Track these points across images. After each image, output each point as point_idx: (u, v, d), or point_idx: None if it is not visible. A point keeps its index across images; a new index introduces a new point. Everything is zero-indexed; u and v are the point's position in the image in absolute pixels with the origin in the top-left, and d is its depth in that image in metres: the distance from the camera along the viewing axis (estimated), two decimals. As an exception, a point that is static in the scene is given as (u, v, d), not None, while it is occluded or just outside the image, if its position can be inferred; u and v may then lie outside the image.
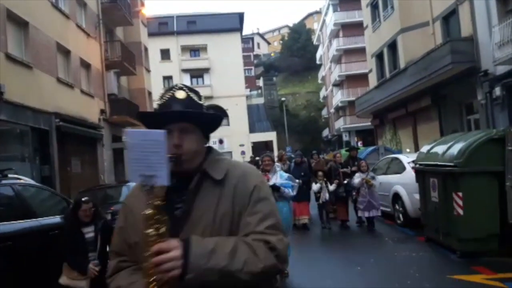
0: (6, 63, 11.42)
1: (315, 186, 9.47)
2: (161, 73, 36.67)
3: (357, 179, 9.07)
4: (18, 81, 11.79)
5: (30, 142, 12.65)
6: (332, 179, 9.66)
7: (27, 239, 4.24)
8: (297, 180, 9.16)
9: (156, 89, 31.31)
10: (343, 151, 15.39)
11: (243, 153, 32.92)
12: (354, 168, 9.71)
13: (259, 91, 58.22)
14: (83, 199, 4.32)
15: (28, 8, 12.87)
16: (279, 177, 5.68)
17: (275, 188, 5.40)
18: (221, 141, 30.15)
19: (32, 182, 5.47)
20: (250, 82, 54.36)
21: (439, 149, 7.23)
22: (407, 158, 9.61)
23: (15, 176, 5.16)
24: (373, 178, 9.10)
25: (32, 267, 4.42)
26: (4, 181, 4.71)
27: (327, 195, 9.39)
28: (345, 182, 9.61)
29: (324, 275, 5.99)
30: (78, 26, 16.99)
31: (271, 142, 40.12)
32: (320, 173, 9.61)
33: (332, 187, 9.49)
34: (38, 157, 13.02)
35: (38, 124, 12.82)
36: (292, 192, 5.67)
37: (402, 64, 18.94)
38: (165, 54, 38.72)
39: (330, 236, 9.00)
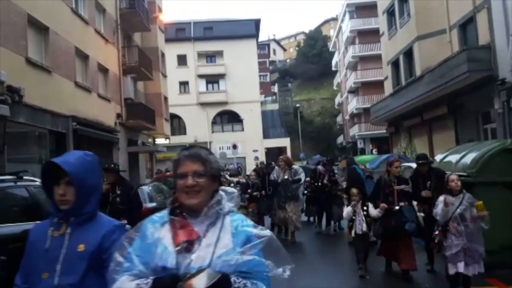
0: (26, 67, 11.72)
1: (345, 211, 6.46)
2: (178, 78, 37.08)
3: (440, 204, 4.97)
4: (37, 85, 12.08)
5: (47, 145, 12.93)
6: (379, 200, 6.08)
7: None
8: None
9: (172, 94, 31.75)
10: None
11: (256, 158, 32.97)
12: (425, 193, 5.94)
13: (274, 97, 58.35)
14: None
15: (49, 14, 13.20)
16: (230, 238, 1.63)
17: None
18: (234, 147, 30.26)
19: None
20: (265, 88, 54.56)
21: (453, 158, 7.16)
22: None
23: (30, 178, 5.30)
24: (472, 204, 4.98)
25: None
26: (19, 183, 4.83)
27: (364, 225, 6.14)
28: (398, 207, 5.87)
29: (316, 276, 5.96)
30: (96, 32, 17.34)
31: (285, 148, 40.10)
32: (354, 190, 6.43)
33: (375, 212, 6.01)
34: (54, 160, 13.27)
35: (55, 127, 13.09)
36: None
37: (418, 71, 18.77)
38: (181, 60, 39.14)
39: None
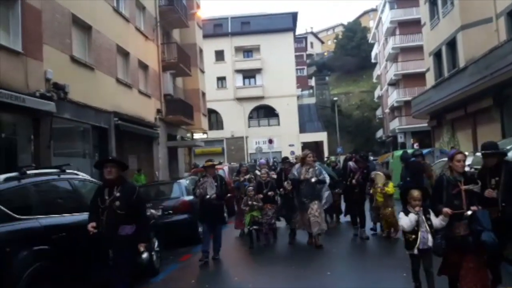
0: (70, 65, 12.24)
1: (405, 220, 4.71)
2: (215, 74, 37.41)
3: None
4: (81, 82, 12.59)
5: (90, 140, 13.47)
6: (442, 204, 4.48)
7: (81, 231, 4.53)
8: None
9: (210, 90, 32.15)
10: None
11: (292, 153, 32.83)
12: (488, 193, 4.59)
13: (311, 91, 57.76)
14: None
15: (91, 13, 13.69)
16: None
17: None
18: (270, 141, 30.26)
19: (88, 177, 5.84)
20: (302, 81, 54.10)
21: (497, 153, 6.83)
22: (462, 162, 9.13)
23: (73, 171, 5.54)
24: None
25: (83, 256, 4.74)
26: (62, 176, 5.07)
27: (429, 238, 4.62)
28: (471, 211, 4.35)
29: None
30: (137, 29, 17.80)
31: (321, 142, 39.72)
32: (416, 193, 4.77)
33: (437, 220, 4.55)
34: (97, 154, 13.81)
35: (98, 122, 13.59)
36: None
37: (461, 62, 18.01)
38: (219, 55, 39.48)
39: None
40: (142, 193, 10.62)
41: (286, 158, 9.57)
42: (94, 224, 4.54)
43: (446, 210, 4.39)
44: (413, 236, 4.68)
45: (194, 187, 8.05)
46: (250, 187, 8.72)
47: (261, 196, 8.51)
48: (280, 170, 9.05)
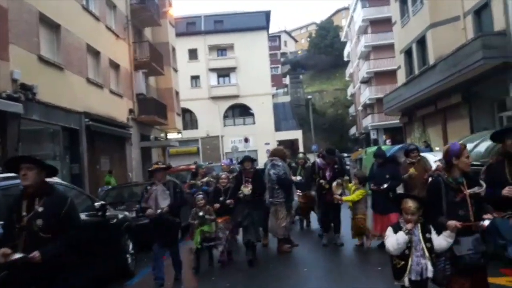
0: (38, 64, 11.88)
1: (391, 239, 3.44)
2: (189, 73, 37.14)
3: None
4: (49, 82, 12.23)
5: (61, 141, 13.11)
6: (442, 216, 3.41)
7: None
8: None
9: (184, 89, 31.85)
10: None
11: (268, 151, 32.95)
12: (508, 190, 3.53)
13: (285, 89, 58.13)
14: None
15: (60, 11, 13.33)
16: None
17: None
18: (246, 140, 30.26)
19: (59, 180, 5.66)
20: (276, 80, 54.39)
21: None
22: (433, 157, 9.33)
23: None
24: None
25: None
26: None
27: (428, 265, 3.36)
28: (488, 221, 3.33)
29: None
30: (107, 28, 17.44)
31: (296, 140, 39.97)
32: (409, 203, 3.47)
33: (441, 240, 3.38)
34: (68, 156, 13.48)
35: (68, 123, 13.24)
36: None
37: (431, 60, 18.47)
38: (192, 54, 39.20)
39: None
40: (119, 197, 10.56)
41: (248, 157, 7.39)
42: (6, 250, 3.12)
43: (453, 223, 3.27)
44: (402, 262, 3.42)
45: (140, 200, 6.33)
46: (200, 195, 6.85)
47: (217, 206, 6.93)
48: (239, 173, 7.33)
